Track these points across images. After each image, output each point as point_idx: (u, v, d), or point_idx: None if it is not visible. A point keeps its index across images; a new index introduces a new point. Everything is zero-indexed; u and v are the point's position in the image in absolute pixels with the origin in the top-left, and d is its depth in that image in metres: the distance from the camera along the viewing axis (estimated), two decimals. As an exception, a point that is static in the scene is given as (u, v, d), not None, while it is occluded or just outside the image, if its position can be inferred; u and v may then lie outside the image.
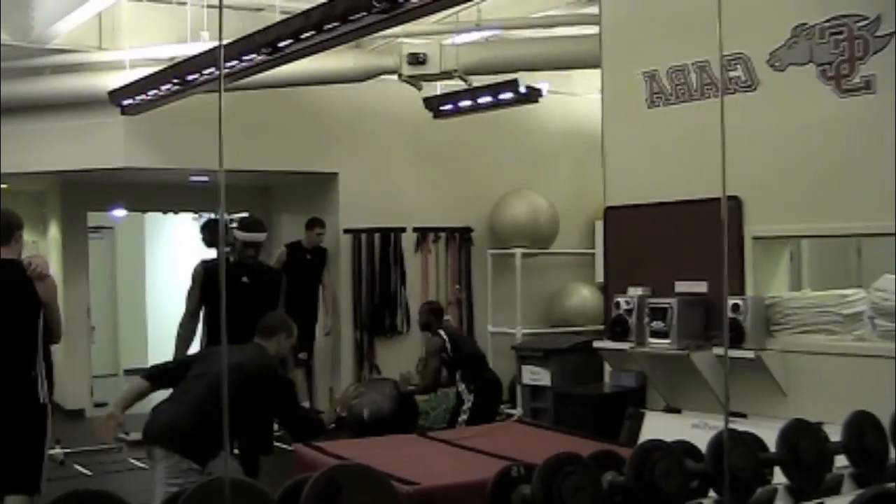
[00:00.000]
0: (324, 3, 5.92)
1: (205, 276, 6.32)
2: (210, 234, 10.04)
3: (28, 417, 4.98)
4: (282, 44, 6.43)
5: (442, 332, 7.84)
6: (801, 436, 2.62)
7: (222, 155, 1.81)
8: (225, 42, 7.36)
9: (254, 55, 6.77)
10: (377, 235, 10.45)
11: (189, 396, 4.60)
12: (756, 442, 2.59)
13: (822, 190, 5.99)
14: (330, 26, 5.97)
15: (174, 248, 14.34)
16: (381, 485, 1.96)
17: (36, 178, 10.42)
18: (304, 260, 9.66)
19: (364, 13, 5.66)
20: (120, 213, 13.04)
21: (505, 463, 2.63)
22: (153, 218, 14.16)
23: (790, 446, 2.58)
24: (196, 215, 13.35)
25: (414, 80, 8.73)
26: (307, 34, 6.18)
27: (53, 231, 11.80)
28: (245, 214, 9.77)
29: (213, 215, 13.03)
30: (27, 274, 4.97)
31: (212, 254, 6.69)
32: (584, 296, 10.27)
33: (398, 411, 7.78)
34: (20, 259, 5.08)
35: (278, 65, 7.05)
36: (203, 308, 6.41)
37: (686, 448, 2.51)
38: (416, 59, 8.46)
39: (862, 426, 2.76)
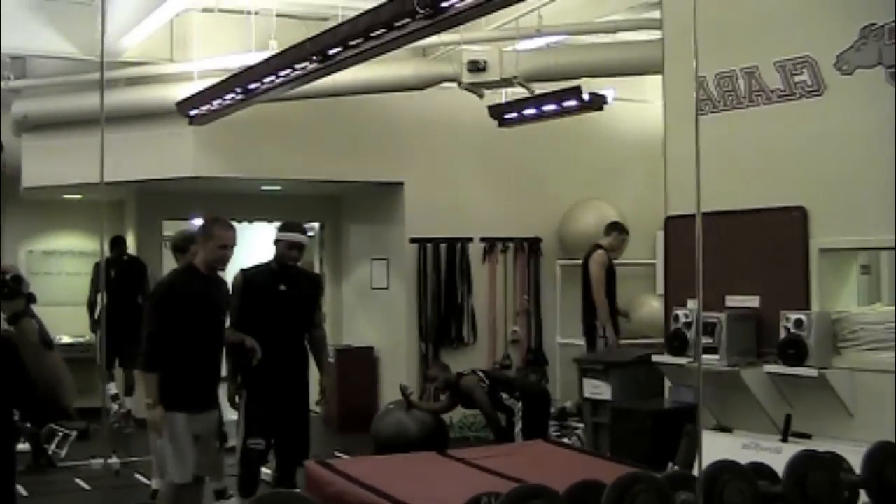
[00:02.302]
0: (369, 11, 5.85)
1: (244, 284, 6.23)
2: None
3: None
4: (331, 52, 6.38)
5: (468, 371, 8.33)
6: (811, 468, 2.40)
7: (103, 165, 1.70)
8: (279, 51, 7.41)
9: (306, 63, 6.75)
10: (443, 245, 10.35)
11: None
12: (755, 472, 2.38)
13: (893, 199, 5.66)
14: (376, 33, 5.90)
15: (252, 257, 14.43)
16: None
17: (113, 187, 10.57)
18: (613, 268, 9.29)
19: (409, 19, 5.58)
20: (198, 222, 13.18)
21: (515, 485, 2.48)
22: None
23: (797, 479, 2.37)
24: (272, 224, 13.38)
25: (474, 88, 8.60)
26: (355, 41, 6.12)
27: (130, 240, 11.97)
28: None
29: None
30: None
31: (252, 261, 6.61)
32: (654, 307, 9.96)
33: (427, 433, 8.01)
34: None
35: (331, 73, 6.99)
36: (246, 317, 6.28)
37: (673, 479, 2.31)
38: (476, 67, 8.32)
39: (883, 458, 2.52)
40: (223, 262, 5.63)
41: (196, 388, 5.51)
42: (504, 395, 8.00)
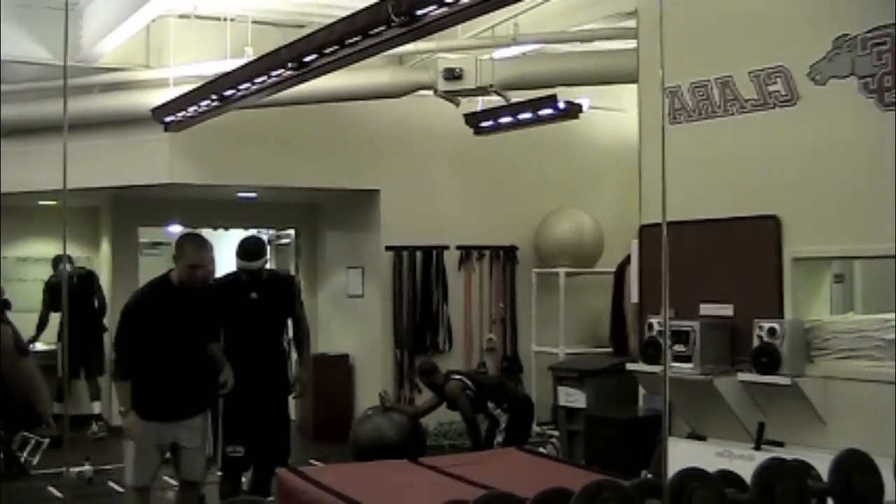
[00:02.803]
0: (345, 18, 5.84)
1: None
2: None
3: None
4: (307, 59, 6.37)
5: (456, 376, 8.15)
6: (779, 476, 2.40)
7: (66, 173, 1.69)
8: (254, 57, 7.39)
9: (281, 70, 6.74)
10: (419, 253, 10.36)
11: None
12: (724, 479, 2.38)
13: (868, 208, 5.70)
14: (352, 41, 5.90)
15: (231, 264, 14.36)
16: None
17: (88, 194, 10.52)
18: None
19: (384, 27, 5.58)
20: (175, 228, 13.13)
21: (484, 493, 2.48)
22: (209, 234, 14.23)
23: (764, 487, 2.38)
24: (255, 231, 13.29)
25: (450, 96, 8.61)
26: (330, 49, 6.11)
27: (105, 246, 11.92)
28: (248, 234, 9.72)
29: (261, 231, 13.09)
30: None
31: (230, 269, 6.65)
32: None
33: (405, 437, 7.91)
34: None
35: (307, 80, 6.98)
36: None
37: (641, 487, 2.32)
38: (452, 75, 8.33)
39: (850, 466, 2.54)
40: (195, 281, 5.53)
41: (168, 398, 5.50)
42: (491, 405, 7.91)
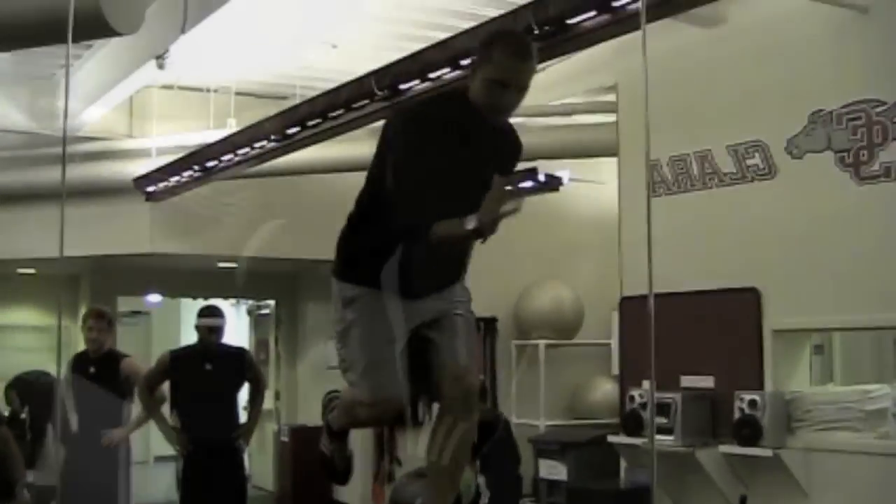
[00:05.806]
0: (328, 91, 5.94)
1: (171, 364, 6.51)
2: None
3: None
4: (290, 131, 6.45)
5: None
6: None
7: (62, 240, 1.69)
8: (237, 129, 7.47)
9: (264, 142, 6.81)
10: (400, 324, 10.31)
11: None
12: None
13: (845, 280, 5.77)
14: (335, 114, 5.98)
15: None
16: None
17: (69, 262, 10.48)
18: None
19: (367, 101, 5.68)
20: (155, 298, 13.10)
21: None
22: (188, 304, 14.17)
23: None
24: (234, 301, 13.28)
25: (431, 168, 8.64)
26: (313, 122, 6.20)
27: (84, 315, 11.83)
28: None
29: (241, 302, 13.05)
30: None
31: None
32: (607, 389, 9.96)
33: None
34: None
35: (289, 152, 7.06)
36: (171, 395, 6.61)
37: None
38: (434, 147, 8.37)
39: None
40: (500, 106, 3.23)
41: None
42: (478, 467, 7.54)
